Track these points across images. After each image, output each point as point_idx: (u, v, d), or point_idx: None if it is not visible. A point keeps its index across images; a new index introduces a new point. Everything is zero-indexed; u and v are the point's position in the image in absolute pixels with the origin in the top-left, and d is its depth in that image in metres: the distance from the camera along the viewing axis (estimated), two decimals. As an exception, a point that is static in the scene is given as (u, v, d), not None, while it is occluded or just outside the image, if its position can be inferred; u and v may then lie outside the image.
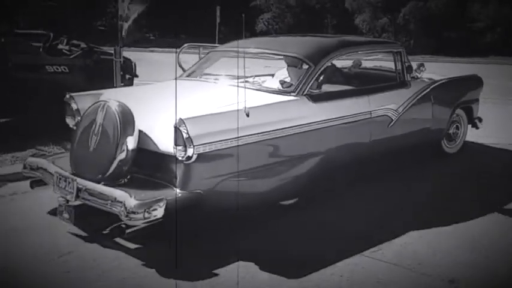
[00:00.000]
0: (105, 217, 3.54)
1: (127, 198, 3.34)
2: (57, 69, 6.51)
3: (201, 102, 4.18)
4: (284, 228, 4.03)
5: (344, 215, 4.38)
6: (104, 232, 3.73)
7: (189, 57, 9.42)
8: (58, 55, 6.66)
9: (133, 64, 7.26)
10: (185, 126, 3.45)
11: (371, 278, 3.26)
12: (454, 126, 6.13)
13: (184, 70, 8.66)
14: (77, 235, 3.81)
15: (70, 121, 4.47)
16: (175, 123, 3.46)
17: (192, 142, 3.45)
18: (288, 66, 5.06)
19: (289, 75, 4.91)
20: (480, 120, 6.42)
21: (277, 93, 4.38)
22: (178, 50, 8.68)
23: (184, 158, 3.48)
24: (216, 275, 3.25)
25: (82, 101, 4.37)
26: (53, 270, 3.34)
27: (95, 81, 6.44)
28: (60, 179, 3.79)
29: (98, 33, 21.95)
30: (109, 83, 6.06)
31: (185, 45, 8.91)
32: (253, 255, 3.48)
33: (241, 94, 3.84)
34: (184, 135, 3.44)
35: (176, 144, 3.48)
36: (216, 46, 7.49)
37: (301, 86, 4.37)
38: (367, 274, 3.30)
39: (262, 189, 3.99)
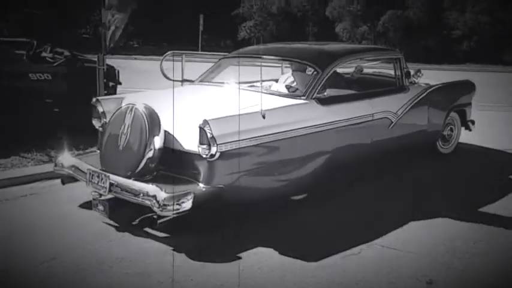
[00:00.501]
0: (135, 209, 3.89)
1: (158, 192, 3.66)
2: (41, 77, 6.48)
3: (221, 105, 4.49)
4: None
5: (324, 215, 4.53)
6: (134, 223, 4.04)
7: (172, 65, 9.52)
8: (41, 63, 6.66)
9: (116, 72, 7.26)
10: (209, 126, 3.76)
11: (350, 279, 3.34)
12: (449, 128, 6.43)
13: (167, 77, 8.82)
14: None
15: (96, 123, 4.78)
16: (200, 124, 3.79)
17: (215, 141, 3.78)
18: (293, 71, 5.36)
19: (295, 80, 5.20)
20: (473, 122, 6.73)
21: (289, 97, 4.70)
22: (161, 57, 8.78)
23: (208, 156, 3.81)
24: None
25: (107, 104, 4.70)
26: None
27: (78, 88, 6.50)
28: (93, 175, 4.12)
29: (82, 41, 21.87)
30: (92, 91, 6.10)
31: (168, 52, 8.99)
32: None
33: (256, 97, 4.24)
34: (209, 135, 3.77)
35: (201, 143, 3.81)
36: (200, 53, 7.63)
37: (310, 90, 4.68)
38: (347, 275, 3.38)
39: (276, 184, 4.32)
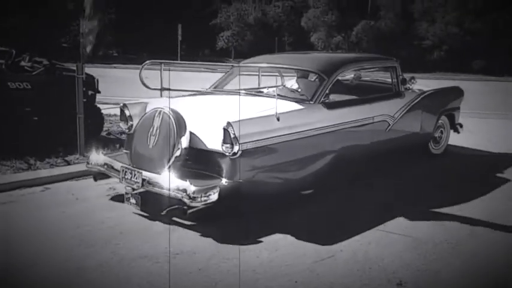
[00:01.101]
0: (164, 202, 4.33)
1: (188, 186, 4.14)
2: (20, 85, 6.48)
3: (240, 108, 4.73)
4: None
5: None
6: (162, 213, 4.43)
7: (150, 74, 9.69)
8: (20, 72, 6.69)
9: (95, 80, 7.29)
10: (232, 128, 4.25)
11: (324, 282, 3.48)
12: (439, 130, 6.94)
13: (146, 86, 8.95)
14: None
15: (123, 125, 5.26)
16: (224, 126, 4.26)
17: (237, 141, 4.27)
18: (298, 78, 5.95)
19: (299, 86, 5.73)
20: (461, 125, 7.27)
21: (299, 102, 5.12)
22: (140, 66, 8.93)
23: (230, 154, 4.30)
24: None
25: (133, 108, 5.17)
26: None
27: (57, 97, 6.58)
28: (126, 172, 4.60)
29: (61, 50, 21.74)
30: (71, 99, 6.20)
31: (147, 62, 9.08)
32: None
33: (269, 102, 4.79)
34: (232, 135, 4.25)
35: (224, 143, 4.29)
36: (178, 62, 7.84)
37: (317, 95, 5.16)
38: (321, 279, 3.51)
39: (288, 180, 4.82)
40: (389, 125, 5.87)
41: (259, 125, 4.51)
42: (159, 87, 8.78)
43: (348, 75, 6.46)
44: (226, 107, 5.05)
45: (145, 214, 4.60)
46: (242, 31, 29.95)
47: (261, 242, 4.09)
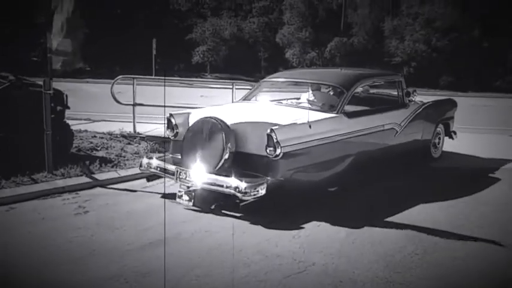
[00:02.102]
0: (213, 198, 5.15)
1: (240, 183, 4.84)
2: None
3: (275, 117, 5.62)
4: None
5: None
6: (212, 207, 5.19)
7: (123, 88, 9.63)
8: (-15, 87, 6.55)
9: (64, 96, 7.12)
10: (274, 133, 4.98)
11: None
12: (437, 137, 7.80)
13: (118, 101, 8.92)
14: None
15: (169, 132, 5.91)
16: (268, 132, 4.97)
17: (279, 144, 4.98)
18: (313, 90, 6.57)
19: (315, 97, 6.46)
20: (455, 133, 8.14)
21: (325, 112, 5.92)
22: (113, 81, 8.89)
23: (273, 156, 5.01)
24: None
25: (178, 118, 5.88)
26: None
27: (24, 113, 6.39)
28: (180, 172, 5.24)
29: (31, 65, 21.37)
30: (38, 115, 6.07)
31: (119, 77, 9.15)
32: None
33: (299, 112, 5.72)
34: (274, 140, 4.97)
35: (268, 146, 5.00)
36: (149, 77, 7.89)
37: (339, 106, 5.96)
38: None
39: (318, 178, 5.58)
40: (397, 132, 6.69)
41: (295, 132, 5.27)
42: (131, 103, 8.86)
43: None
44: (264, 115, 5.76)
45: (111, 233, 4.54)
46: (218, 46, 30.04)
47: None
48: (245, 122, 5.46)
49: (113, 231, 4.62)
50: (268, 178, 5.01)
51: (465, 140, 8.68)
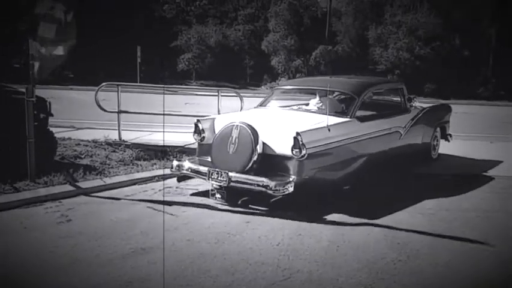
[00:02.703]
0: (243, 195, 5.73)
1: (270, 181, 5.36)
2: None
3: (298, 121, 6.15)
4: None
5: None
6: (239, 202, 5.72)
7: (108, 95, 9.58)
8: (-34, 94, 6.44)
9: (47, 103, 7.00)
10: (300, 136, 5.46)
11: None
12: (435, 140, 8.36)
13: (102, 109, 8.87)
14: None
15: (196, 137, 6.36)
16: (294, 135, 5.45)
17: (304, 146, 5.47)
18: (320, 97, 7.00)
19: (322, 103, 6.86)
20: (450, 135, 8.71)
21: (340, 116, 6.35)
22: (97, 88, 8.83)
23: (299, 157, 5.48)
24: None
25: (204, 123, 6.35)
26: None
27: (6, 120, 6.29)
28: (212, 172, 5.71)
29: (14, 71, 21.11)
30: (21, 122, 6.00)
31: (103, 84, 9.09)
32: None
33: (315, 116, 6.27)
34: (300, 142, 5.45)
35: (294, 148, 5.48)
36: (134, 84, 7.90)
37: (352, 111, 6.47)
38: None
39: (336, 177, 6.10)
40: (401, 134, 7.25)
41: (317, 134, 5.76)
42: (116, 110, 8.81)
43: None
44: (287, 120, 6.38)
45: (94, 242, 4.52)
46: (203, 53, 30.07)
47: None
48: (270, 126, 6.03)
49: (96, 240, 4.58)
50: (294, 177, 5.49)
51: (447, 147, 8.82)
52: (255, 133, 5.69)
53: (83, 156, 7.42)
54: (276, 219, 5.27)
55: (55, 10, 6.11)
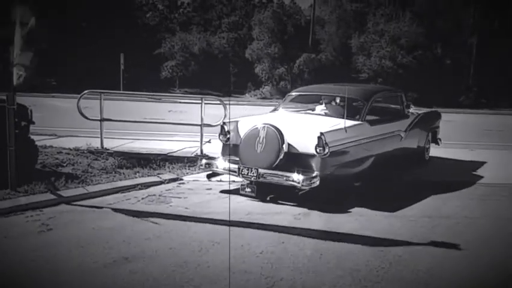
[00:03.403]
0: (272, 189, 6.31)
1: (298, 176, 5.97)
2: None
3: (319, 123, 6.76)
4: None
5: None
6: (267, 199, 6.28)
7: (90, 103, 9.50)
8: None
9: (29, 110, 6.94)
10: (324, 136, 6.09)
11: None
12: (428, 143, 9.07)
13: (84, 116, 8.79)
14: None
15: (222, 138, 6.96)
16: (318, 135, 6.06)
17: (328, 145, 6.09)
18: (326, 103, 7.74)
19: (328, 109, 7.59)
20: (440, 140, 9.46)
21: (353, 120, 6.91)
22: (79, 95, 8.75)
23: (322, 154, 6.10)
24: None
25: (230, 125, 6.94)
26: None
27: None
28: (242, 169, 6.28)
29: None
30: (2, 131, 5.94)
31: (85, 91, 9.01)
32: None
33: (331, 119, 6.94)
34: (323, 141, 6.08)
35: (318, 146, 6.10)
36: (117, 92, 7.82)
37: (362, 115, 7.15)
38: None
39: (350, 173, 6.70)
40: (402, 137, 7.95)
41: (337, 135, 6.38)
42: (99, 118, 8.74)
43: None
44: (307, 122, 7.08)
45: (75, 251, 4.47)
46: (187, 61, 30.04)
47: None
48: (293, 128, 6.58)
49: (77, 249, 4.53)
50: (317, 172, 6.06)
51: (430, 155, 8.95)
52: (280, 133, 6.28)
53: (64, 165, 7.34)
54: (259, 227, 5.26)
55: (26, 16, 6.03)
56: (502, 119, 19.61)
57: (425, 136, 8.86)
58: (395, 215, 5.85)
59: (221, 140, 6.98)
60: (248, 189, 6.26)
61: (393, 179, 7.58)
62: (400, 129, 7.90)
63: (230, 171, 6.48)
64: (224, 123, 7.00)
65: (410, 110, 8.55)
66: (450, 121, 14.38)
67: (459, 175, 8.15)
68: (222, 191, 6.65)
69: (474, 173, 8.33)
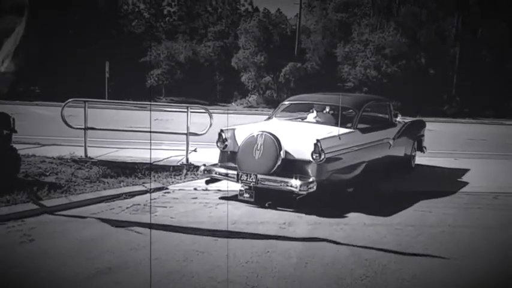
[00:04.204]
0: (270, 195, 6.42)
1: (296, 181, 6.09)
2: None
3: (314, 131, 6.92)
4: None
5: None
6: (266, 205, 6.38)
7: (75, 111, 9.41)
8: None
9: (11, 119, 6.82)
10: (320, 143, 6.26)
11: None
12: (414, 151, 9.29)
13: (68, 125, 8.70)
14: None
15: (220, 145, 7.03)
16: (314, 142, 6.22)
17: (324, 151, 6.26)
18: (318, 112, 7.95)
19: (320, 118, 7.82)
20: (425, 148, 9.67)
21: (346, 128, 7.11)
22: (63, 104, 8.67)
23: (318, 161, 6.27)
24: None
25: (227, 133, 7.03)
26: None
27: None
28: (241, 175, 6.40)
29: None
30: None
31: (69, 100, 8.93)
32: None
33: (324, 127, 7.17)
34: (320, 148, 6.24)
35: (314, 153, 6.26)
36: (101, 101, 7.73)
37: (354, 123, 7.34)
38: None
39: (344, 179, 6.87)
40: (390, 145, 8.16)
41: (332, 142, 6.56)
42: (83, 126, 8.65)
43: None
44: (303, 130, 7.28)
45: (58, 262, 4.40)
46: (172, 69, 30.01)
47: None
48: (289, 135, 6.75)
49: (60, 260, 4.46)
50: (313, 178, 6.20)
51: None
52: (278, 140, 6.43)
53: (47, 174, 7.23)
54: (244, 236, 5.24)
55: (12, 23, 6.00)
56: (485, 129, 19.93)
57: (412, 144, 9.08)
58: (380, 224, 5.88)
59: (219, 147, 7.08)
60: (247, 195, 6.38)
61: (381, 187, 7.64)
62: (388, 137, 8.12)
63: (228, 177, 6.60)
64: (222, 130, 7.10)
65: (398, 119, 8.78)
66: (434, 130, 14.59)
67: (444, 183, 8.24)
68: (222, 198, 6.76)
69: (458, 180, 8.43)
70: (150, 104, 21.04)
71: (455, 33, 27.84)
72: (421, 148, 9.59)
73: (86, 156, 8.35)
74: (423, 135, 9.76)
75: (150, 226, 5.44)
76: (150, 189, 6.99)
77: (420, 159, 9.54)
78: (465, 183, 8.23)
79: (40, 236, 5.05)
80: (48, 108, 18.25)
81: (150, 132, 9.61)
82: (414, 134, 9.24)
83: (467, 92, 26.05)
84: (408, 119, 9.92)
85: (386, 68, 26.13)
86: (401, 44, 26.43)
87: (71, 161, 8.02)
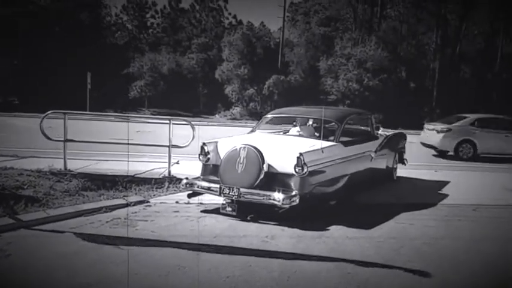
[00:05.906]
0: (252, 209, 6.34)
1: (278, 195, 6.07)
2: None
3: (297, 144, 6.93)
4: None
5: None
6: (249, 218, 6.33)
7: (55, 123, 9.27)
8: None
9: None
10: (303, 156, 6.24)
11: None
12: (396, 163, 9.44)
13: (47, 137, 8.56)
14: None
15: (202, 158, 6.95)
16: (297, 155, 6.20)
17: (306, 165, 6.25)
18: (300, 125, 8.10)
19: (303, 131, 7.95)
20: (406, 160, 9.89)
21: (328, 141, 7.19)
22: (43, 115, 8.53)
23: (301, 174, 6.26)
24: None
25: (209, 146, 6.95)
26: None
27: None
28: (223, 188, 6.35)
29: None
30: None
31: (49, 112, 8.79)
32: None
33: (307, 140, 7.20)
34: (302, 161, 6.22)
35: (297, 166, 6.24)
36: (81, 113, 7.61)
37: (337, 136, 7.39)
38: None
39: (327, 191, 6.89)
40: (372, 157, 8.27)
41: (314, 155, 6.52)
42: (62, 138, 8.52)
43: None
44: (285, 143, 7.28)
45: (34, 278, 4.28)
46: (156, 81, 29.92)
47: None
48: (272, 148, 6.72)
49: (38, 276, 4.34)
50: (296, 191, 6.18)
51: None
52: (261, 154, 6.42)
53: (25, 187, 7.07)
54: (227, 250, 5.18)
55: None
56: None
57: (393, 156, 9.23)
58: (363, 236, 5.88)
59: (201, 161, 7.01)
60: (229, 208, 6.32)
61: (363, 199, 7.66)
62: (370, 150, 8.23)
63: (211, 191, 6.53)
64: (204, 143, 7.01)
65: (379, 132, 8.91)
66: (414, 142, 14.76)
67: (425, 196, 8.31)
68: (203, 211, 6.64)
69: (439, 192, 8.52)
70: (128, 116, 20.84)
71: (434, 47, 28.39)
72: (402, 160, 9.74)
73: (66, 168, 8.20)
74: (404, 148, 9.90)
75: (128, 241, 5.36)
76: (129, 202, 6.89)
77: (401, 171, 9.63)
78: (445, 195, 8.31)
79: (17, 251, 4.92)
80: (27, 120, 17.95)
81: (128, 144, 9.52)
82: (395, 146, 9.38)
83: (447, 105, 26.51)
84: (390, 132, 10.07)
85: (368, 81, 26.48)
86: (382, 58, 26.84)
87: (50, 174, 7.85)
